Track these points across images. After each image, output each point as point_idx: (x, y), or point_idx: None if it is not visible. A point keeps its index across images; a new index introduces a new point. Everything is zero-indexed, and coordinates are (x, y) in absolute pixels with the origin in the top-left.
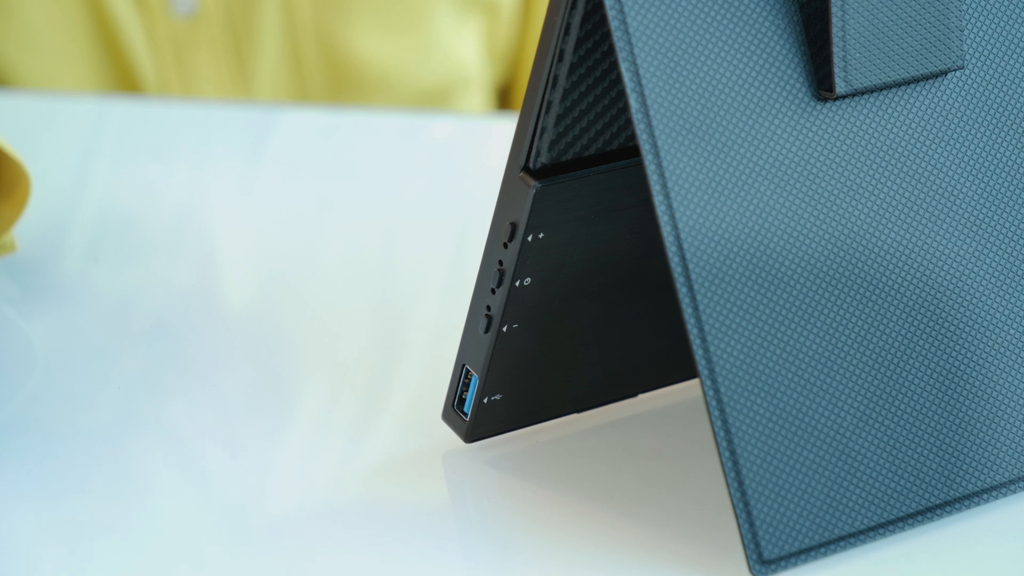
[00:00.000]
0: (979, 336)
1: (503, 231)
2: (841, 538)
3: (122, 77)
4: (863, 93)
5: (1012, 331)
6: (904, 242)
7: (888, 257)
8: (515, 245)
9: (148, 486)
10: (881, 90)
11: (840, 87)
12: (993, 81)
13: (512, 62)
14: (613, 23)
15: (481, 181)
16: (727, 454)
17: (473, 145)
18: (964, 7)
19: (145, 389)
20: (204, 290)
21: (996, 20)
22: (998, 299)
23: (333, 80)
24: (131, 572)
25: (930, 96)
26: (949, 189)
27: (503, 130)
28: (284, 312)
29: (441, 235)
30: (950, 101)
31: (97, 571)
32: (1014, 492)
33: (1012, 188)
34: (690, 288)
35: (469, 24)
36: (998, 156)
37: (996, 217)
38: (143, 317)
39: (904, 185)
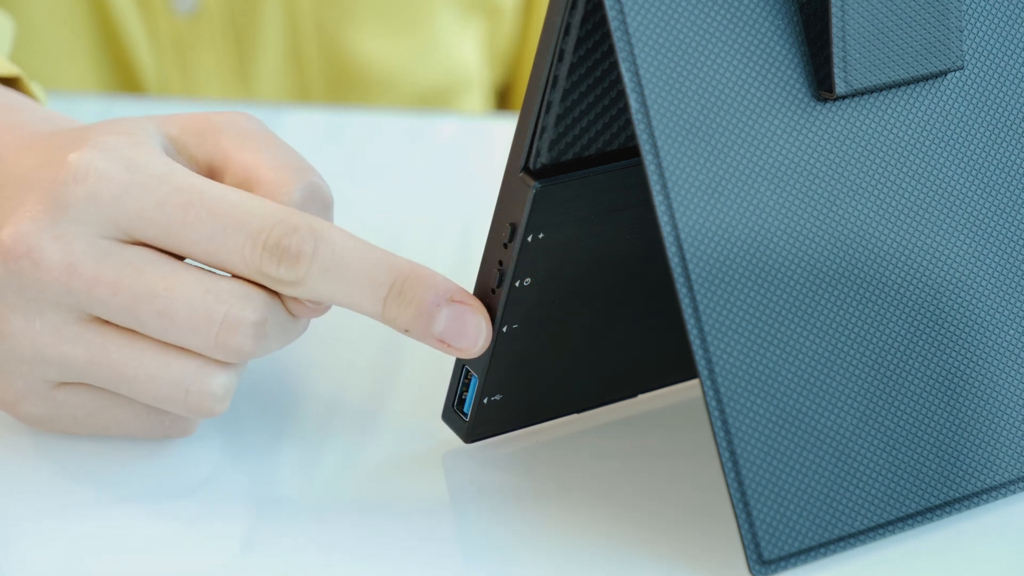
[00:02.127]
0: (979, 336)
1: (503, 231)
2: (841, 538)
3: (123, 76)
4: (863, 93)
5: (1012, 331)
6: (904, 242)
7: (888, 257)
8: (515, 245)
9: (147, 486)
10: (881, 90)
11: (840, 87)
12: (993, 81)
13: (512, 64)
14: (613, 23)
15: (482, 181)
16: (727, 454)
17: (474, 145)
18: (964, 7)
19: None
20: None
21: (996, 20)
22: (998, 299)
23: (334, 80)
24: (128, 571)
25: (930, 96)
26: (949, 189)
27: (504, 130)
28: None
29: (442, 235)
30: (950, 101)
31: (96, 571)
32: (1014, 492)
33: (1012, 188)
34: (690, 288)
35: (470, 26)
36: (998, 156)
37: (996, 217)
38: None
39: (904, 185)
